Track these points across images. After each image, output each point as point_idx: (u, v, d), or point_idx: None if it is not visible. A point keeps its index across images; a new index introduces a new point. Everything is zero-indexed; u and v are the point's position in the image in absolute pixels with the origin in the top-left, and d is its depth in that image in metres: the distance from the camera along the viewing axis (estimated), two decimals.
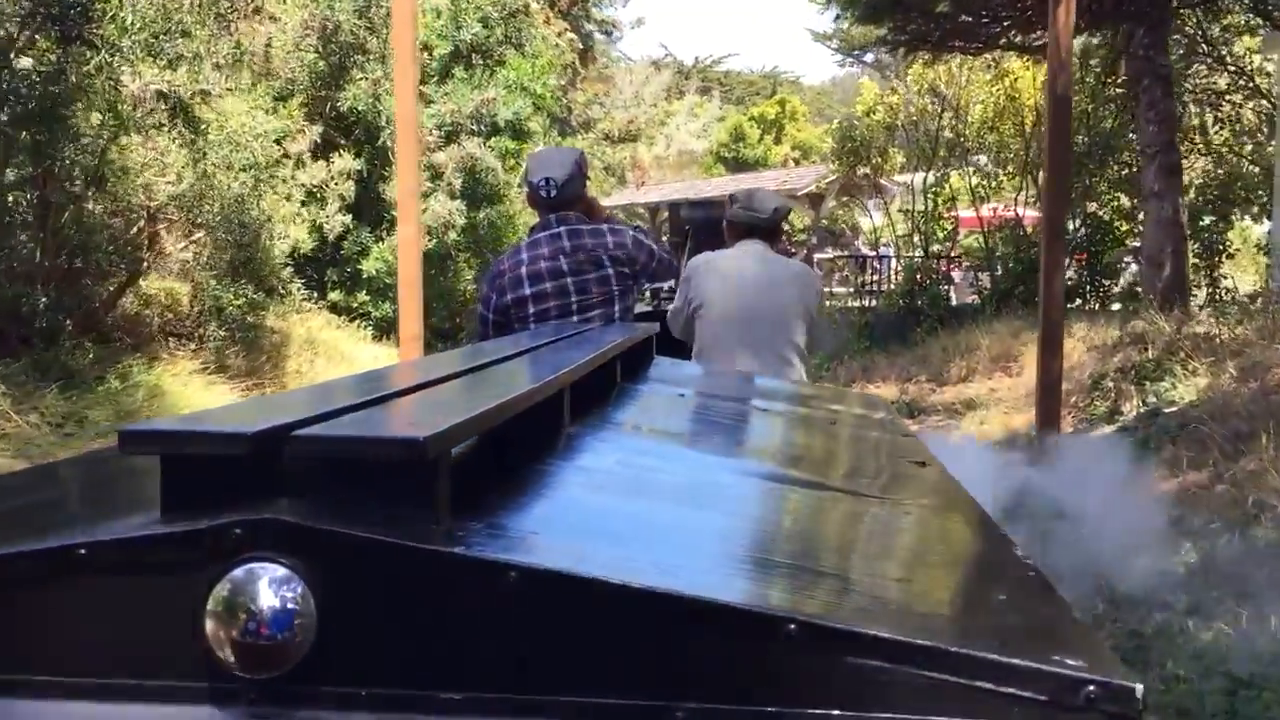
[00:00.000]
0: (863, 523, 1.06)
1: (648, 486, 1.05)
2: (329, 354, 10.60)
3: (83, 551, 0.68)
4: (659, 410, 1.61)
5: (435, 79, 12.93)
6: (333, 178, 11.87)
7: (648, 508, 0.95)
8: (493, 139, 12.85)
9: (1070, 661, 0.71)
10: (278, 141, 9.79)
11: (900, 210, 15.34)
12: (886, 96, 14.50)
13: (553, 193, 2.68)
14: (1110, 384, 7.40)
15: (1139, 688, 0.71)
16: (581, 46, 24.06)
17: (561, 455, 1.05)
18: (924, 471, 1.30)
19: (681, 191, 22.29)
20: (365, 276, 12.30)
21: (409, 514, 0.70)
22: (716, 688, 0.69)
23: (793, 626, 0.69)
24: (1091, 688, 0.70)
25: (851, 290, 15.45)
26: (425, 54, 12.41)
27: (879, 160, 14.32)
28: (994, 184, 13.41)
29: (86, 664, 0.68)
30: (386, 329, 12.14)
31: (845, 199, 20.47)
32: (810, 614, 0.70)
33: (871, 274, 16.31)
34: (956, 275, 13.91)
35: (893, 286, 14.22)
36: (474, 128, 12.70)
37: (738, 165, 27.79)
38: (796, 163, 26.61)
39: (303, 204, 11.14)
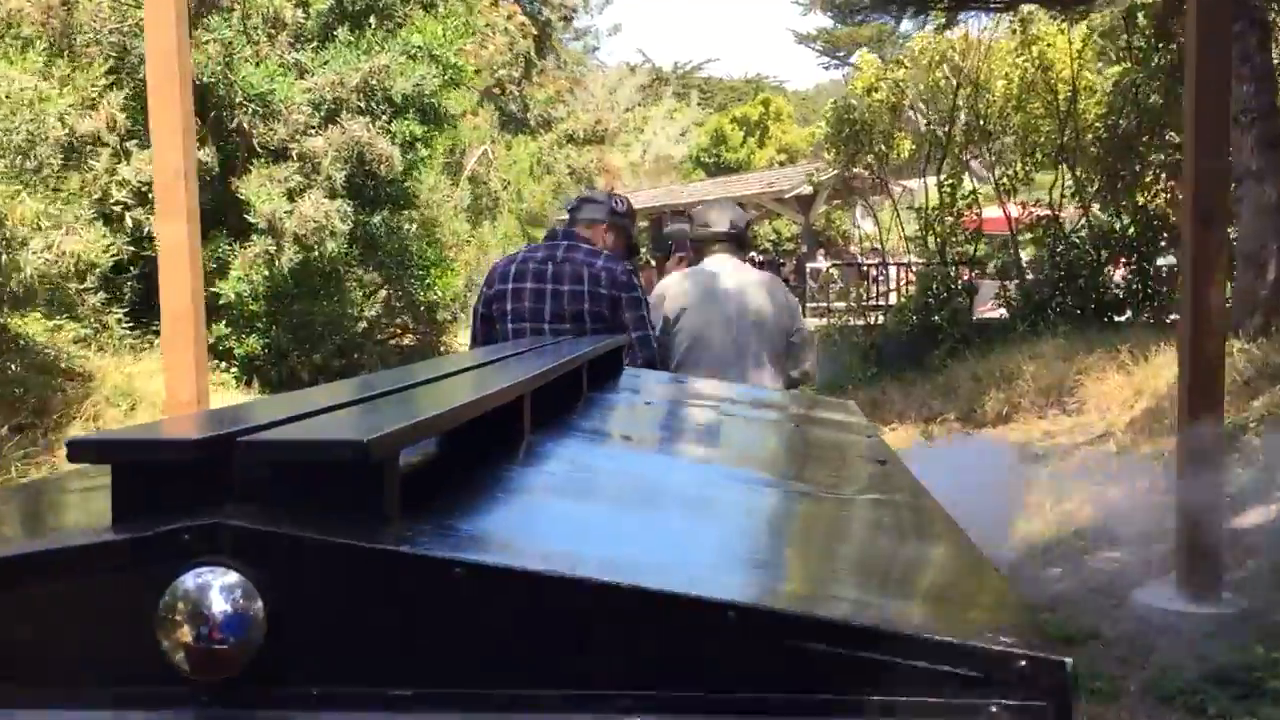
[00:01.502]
0: (812, 515, 1.30)
1: (602, 489, 1.28)
2: (157, 411, 8.80)
3: (35, 560, 0.88)
4: (623, 418, 1.92)
5: (313, 43, 12.17)
6: None
7: (599, 509, 1.18)
8: (396, 122, 12.06)
9: (1003, 638, 0.93)
10: (61, 119, 8.40)
11: (910, 208, 15.63)
12: (890, 71, 14.65)
13: (573, 205, 3.61)
14: (1257, 441, 6.12)
15: (1069, 661, 0.93)
16: (536, 33, 25.15)
17: (520, 461, 1.27)
18: (883, 469, 1.56)
19: (658, 199, 23.24)
20: (223, 302, 11.25)
21: (356, 516, 0.91)
22: (660, 674, 0.90)
23: (732, 613, 0.91)
24: (1023, 663, 0.92)
25: (852, 305, 15.69)
26: (299, 10, 11.82)
27: (883, 148, 14.51)
28: (1022, 174, 13.68)
29: (40, 672, 0.88)
30: (255, 371, 11.59)
31: (840, 201, 20.93)
32: (750, 600, 0.92)
33: (875, 286, 16.65)
34: (984, 285, 14.04)
35: (903, 300, 14.53)
36: (363, 105, 11.83)
37: (719, 170, 29.79)
38: (781, 165, 27.82)
39: (126, 206, 9.82)
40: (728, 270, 3.85)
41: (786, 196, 21.13)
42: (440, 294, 13.87)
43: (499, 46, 22.41)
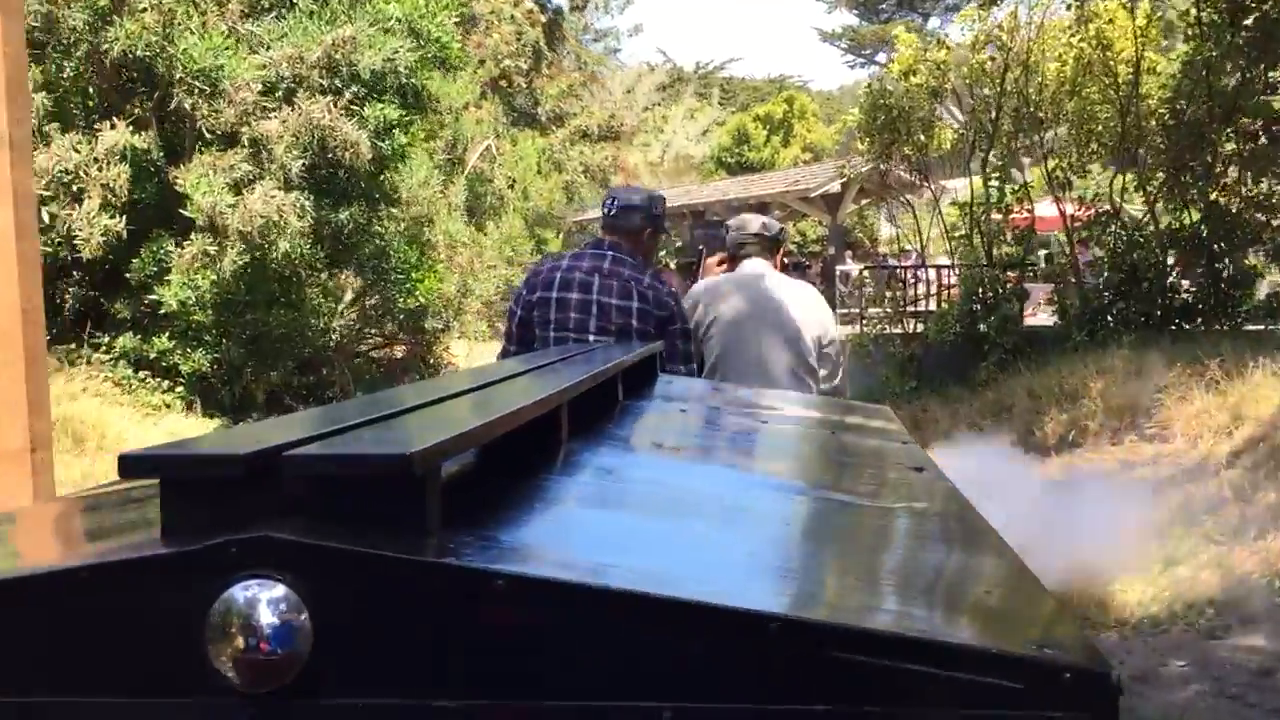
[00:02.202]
0: (852, 524, 1.42)
1: (640, 499, 1.41)
2: (86, 442, 8.75)
3: (85, 575, 1.00)
4: (659, 425, 2.10)
5: (270, 13, 11.64)
6: (95, 159, 10.30)
7: (638, 519, 1.30)
8: (368, 105, 11.39)
9: (1047, 649, 1.04)
10: None
11: (953, 204, 15.50)
12: (931, 52, 14.59)
13: (613, 210, 3.73)
14: None
15: (1115, 673, 1.04)
16: (545, 21, 25.74)
17: (559, 470, 1.40)
18: (920, 476, 1.68)
19: (676, 199, 23.50)
20: (164, 312, 10.98)
21: (400, 528, 1.03)
22: (704, 687, 1.02)
23: (774, 625, 1.02)
24: (1067, 675, 1.03)
25: (887, 312, 15.49)
26: None
27: (922, 138, 14.49)
28: (1077, 166, 13.63)
29: (90, 685, 1.00)
30: (205, 392, 11.08)
31: (872, 199, 21.18)
32: (791, 611, 1.03)
33: (911, 290, 16.47)
34: (1037, 291, 14.00)
35: (945, 306, 14.52)
36: (325, 84, 11.17)
37: (741, 170, 30.89)
38: (806, 163, 28.57)
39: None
40: (763, 278, 4.20)
41: (813, 195, 21.45)
42: (426, 300, 13.43)
43: (505, 35, 22.60)
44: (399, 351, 14.74)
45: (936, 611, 1.13)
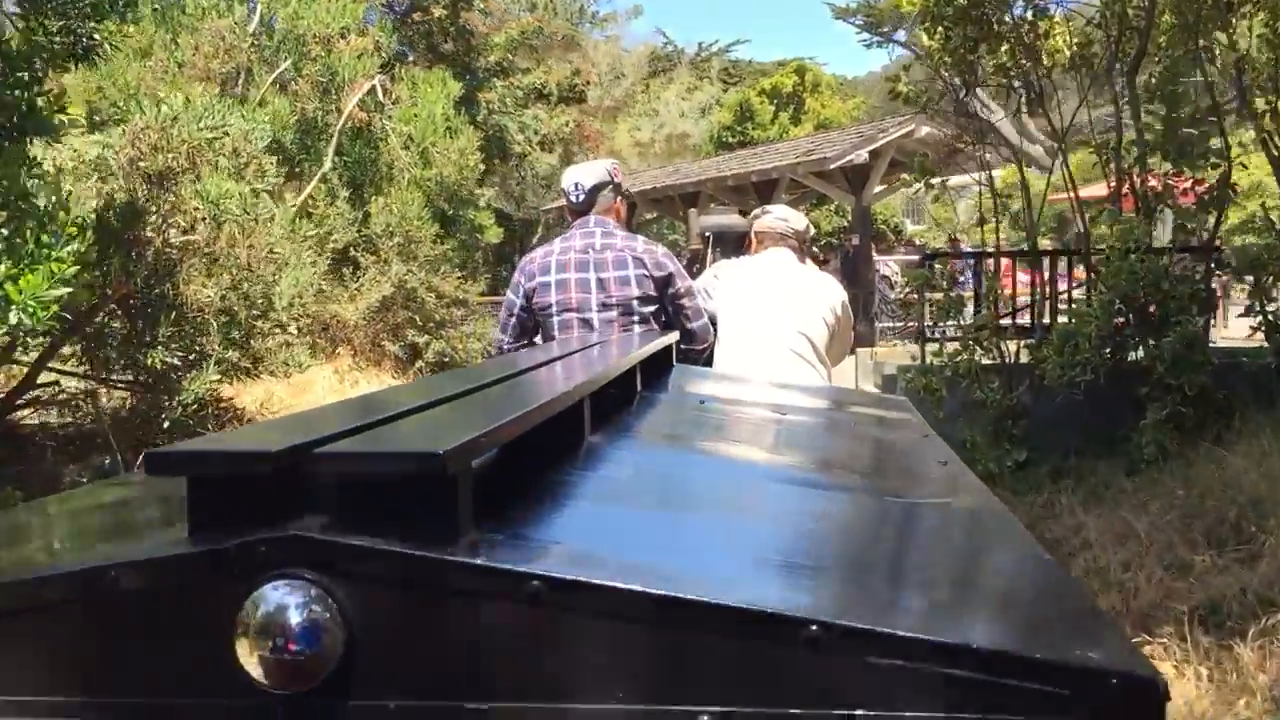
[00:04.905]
0: (885, 523, 1.39)
1: (668, 494, 1.39)
2: None
3: (113, 573, 0.98)
4: (678, 418, 2.08)
5: None
6: None
7: (668, 515, 1.28)
8: None
9: (1093, 655, 1.02)
10: None
11: (1085, 144, 9.11)
12: None
13: (580, 196, 3.75)
14: None
15: (1161, 679, 1.01)
16: None
17: (583, 465, 1.38)
18: (946, 470, 1.64)
19: (660, 179, 20.55)
20: None
21: (431, 527, 1.00)
22: (740, 691, 0.99)
23: (814, 628, 1.00)
24: (1114, 680, 1.00)
25: (968, 329, 8.71)
26: None
27: (1028, 33, 8.57)
28: None
29: (118, 683, 0.98)
30: None
31: (931, 155, 11.92)
32: (831, 615, 1.01)
33: (997, 296, 9.55)
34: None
35: (1073, 318, 8.03)
36: None
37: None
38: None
39: None
40: (784, 263, 4.18)
41: (831, 168, 15.60)
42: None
43: None
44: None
45: (978, 615, 1.10)
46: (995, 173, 10.24)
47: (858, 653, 0.99)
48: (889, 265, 17.87)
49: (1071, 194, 9.11)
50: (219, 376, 7.53)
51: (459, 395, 1.37)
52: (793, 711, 0.99)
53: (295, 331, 8.92)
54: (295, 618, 0.98)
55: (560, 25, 23.89)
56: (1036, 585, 1.17)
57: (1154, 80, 8.62)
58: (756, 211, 4.43)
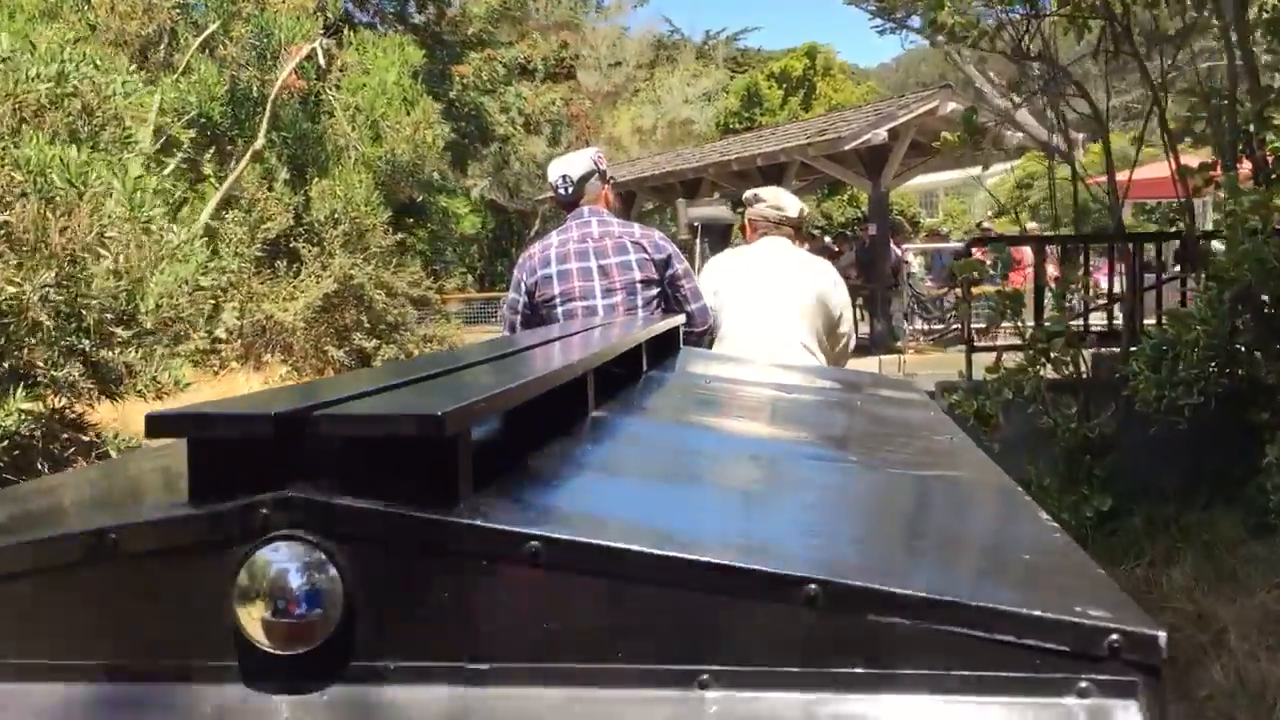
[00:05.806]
0: (885, 490, 1.39)
1: (669, 465, 1.40)
2: None
3: (113, 535, 0.99)
4: (683, 395, 2.11)
5: None
6: None
7: (667, 484, 1.28)
8: None
9: (1093, 612, 1.02)
10: None
11: (1185, 91, 6.70)
12: None
13: (569, 189, 3.78)
14: None
15: (1162, 635, 1.01)
16: None
17: (585, 436, 1.39)
18: (949, 443, 1.65)
19: (660, 165, 19.66)
20: None
21: (430, 489, 1.01)
22: (740, 650, 0.99)
23: (813, 586, 1.00)
24: (1114, 636, 1.00)
25: (1013, 331, 6.78)
26: None
27: None
28: None
29: (119, 646, 0.99)
30: None
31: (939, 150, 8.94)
32: (830, 575, 1.01)
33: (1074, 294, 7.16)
34: None
35: (1167, 324, 5.98)
36: None
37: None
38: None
39: None
40: (780, 250, 4.12)
41: (845, 149, 14.20)
42: None
43: None
44: None
45: (980, 575, 1.10)
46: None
47: (856, 611, 0.99)
48: (910, 257, 16.26)
49: (1170, 164, 6.53)
50: (32, 403, 5.20)
51: (464, 367, 1.38)
52: (791, 670, 0.99)
53: (168, 340, 6.28)
54: (296, 579, 0.98)
55: (563, 13, 22.56)
56: (1041, 548, 1.17)
57: (1265, 13, 6.12)
58: (748, 196, 4.32)
